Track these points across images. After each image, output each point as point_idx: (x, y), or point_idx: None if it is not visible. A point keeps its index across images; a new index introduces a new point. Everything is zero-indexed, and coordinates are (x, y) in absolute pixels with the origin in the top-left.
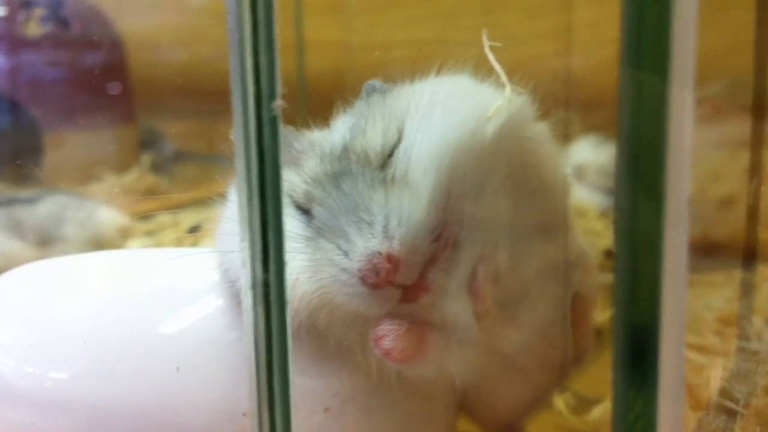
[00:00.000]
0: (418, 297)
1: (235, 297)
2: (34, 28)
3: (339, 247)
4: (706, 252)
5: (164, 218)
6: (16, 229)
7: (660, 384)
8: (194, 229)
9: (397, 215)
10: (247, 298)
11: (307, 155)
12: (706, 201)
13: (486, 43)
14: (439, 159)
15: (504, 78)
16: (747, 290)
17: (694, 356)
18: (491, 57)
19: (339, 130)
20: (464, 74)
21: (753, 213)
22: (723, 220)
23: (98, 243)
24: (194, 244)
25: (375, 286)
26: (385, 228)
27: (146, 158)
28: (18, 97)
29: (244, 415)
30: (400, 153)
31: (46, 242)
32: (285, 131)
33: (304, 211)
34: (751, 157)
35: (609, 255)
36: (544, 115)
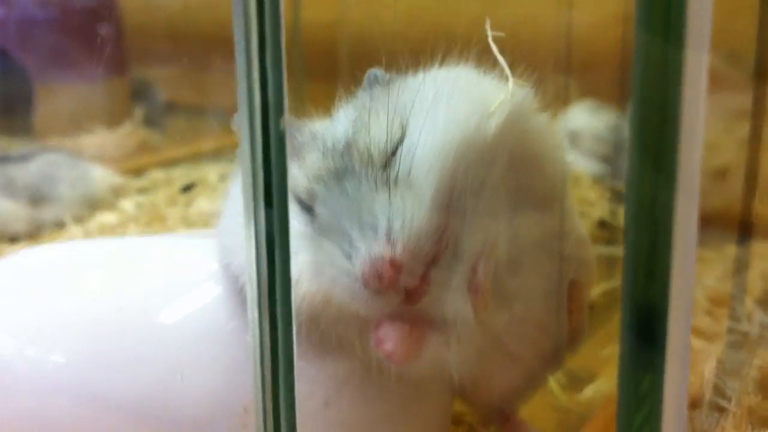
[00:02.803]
0: (419, 299)
1: (236, 286)
2: None
3: (342, 250)
4: (701, 226)
5: (157, 175)
6: (9, 188)
7: (667, 362)
8: (187, 188)
9: (400, 219)
10: (253, 311)
11: (309, 148)
12: (701, 173)
13: (489, 34)
14: (441, 159)
15: (507, 71)
16: (740, 268)
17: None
18: (494, 49)
19: (341, 122)
20: (467, 66)
21: (750, 184)
22: (717, 192)
23: (91, 202)
24: (188, 203)
25: (377, 291)
26: (389, 232)
27: (138, 112)
28: (7, 46)
29: (245, 410)
30: (403, 151)
31: (38, 201)
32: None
33: (306, 207)
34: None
35: (602, 225)
36: (542, 78)
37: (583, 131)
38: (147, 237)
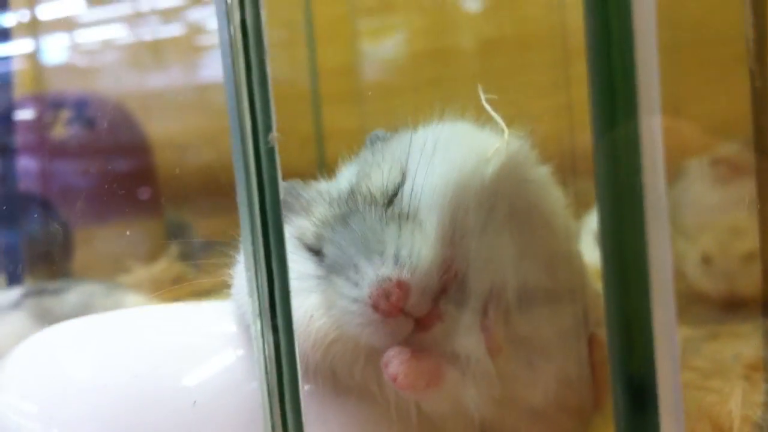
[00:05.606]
0: (431, 325)
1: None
2: (60, 130)
3: (349, 279)
4: (732, 306)
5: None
6: (45, 318)
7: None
8: None
9: (408, 246)
10: (255, 326)
11: (316, 202)
12: (730, 257)
13: (482, 96)
14: (441, 197)
15: (502, 123)
16: None
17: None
18: (488, 107)
19: (345, 176)
20: (464, 120)
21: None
22: (747, 274)
23: None
24: None
25: (386, 313)
26: (396, 257)
27: (174, 248)
28: (48, 198)
29: None
30: (404, 191)
31: None
32: (293, 183)
33: (315, 252)
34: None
35: None
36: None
37: None
38: (162, 306)
